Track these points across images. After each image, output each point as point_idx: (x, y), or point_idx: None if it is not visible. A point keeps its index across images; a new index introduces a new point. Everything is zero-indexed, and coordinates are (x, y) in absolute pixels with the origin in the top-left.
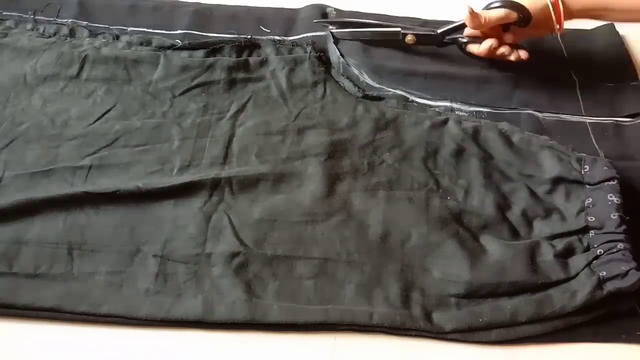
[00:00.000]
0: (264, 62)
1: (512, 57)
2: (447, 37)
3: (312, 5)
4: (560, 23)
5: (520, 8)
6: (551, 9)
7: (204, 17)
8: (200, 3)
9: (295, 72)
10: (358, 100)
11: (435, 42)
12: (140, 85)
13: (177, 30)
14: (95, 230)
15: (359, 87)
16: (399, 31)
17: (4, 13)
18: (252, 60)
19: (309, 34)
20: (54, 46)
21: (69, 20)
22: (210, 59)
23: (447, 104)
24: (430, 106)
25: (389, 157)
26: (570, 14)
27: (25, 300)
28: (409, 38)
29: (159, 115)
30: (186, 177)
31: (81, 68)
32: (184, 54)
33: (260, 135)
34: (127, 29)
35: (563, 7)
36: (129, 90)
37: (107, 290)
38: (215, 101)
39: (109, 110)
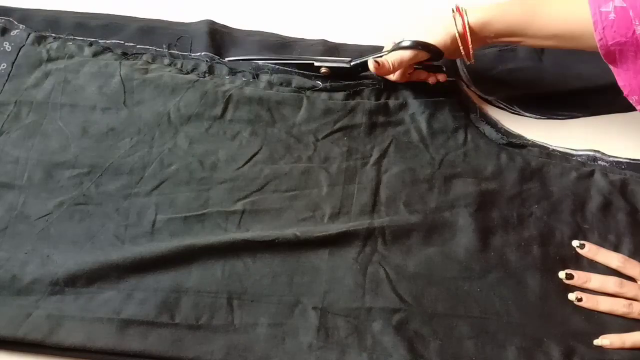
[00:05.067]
0: (403, 106)
1: (430, 81)
2: (360, 68)
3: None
4: (468, 55)
5: (428, 47)
6: (459, 42)
7: (332, 55)
8: (327, 41)
9: (436, 117)
10: (500, 148)
11: (348, 73)
12: (284, 128)
13: None
14: (254, 279)
15: (501, 134)
16: (312, 63)
17: (138, 46)
18: (392, 103)
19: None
20: (197, 85)
21: (202, 54)
22: (352, 102)
23: (590, 153)
24: (572, 155)
25: (537, 210)
26: (482, 41)
27: (192, 353)
28: (323, 70)
29: (304, 160)
30: (341, 226)
31: (225, 108)
32: (324, 95)
33: (407, 183)
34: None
35: (472, 36)
36: (272, 132)
37: (270, 343)
38: (357, 145)
39: (256, 154)
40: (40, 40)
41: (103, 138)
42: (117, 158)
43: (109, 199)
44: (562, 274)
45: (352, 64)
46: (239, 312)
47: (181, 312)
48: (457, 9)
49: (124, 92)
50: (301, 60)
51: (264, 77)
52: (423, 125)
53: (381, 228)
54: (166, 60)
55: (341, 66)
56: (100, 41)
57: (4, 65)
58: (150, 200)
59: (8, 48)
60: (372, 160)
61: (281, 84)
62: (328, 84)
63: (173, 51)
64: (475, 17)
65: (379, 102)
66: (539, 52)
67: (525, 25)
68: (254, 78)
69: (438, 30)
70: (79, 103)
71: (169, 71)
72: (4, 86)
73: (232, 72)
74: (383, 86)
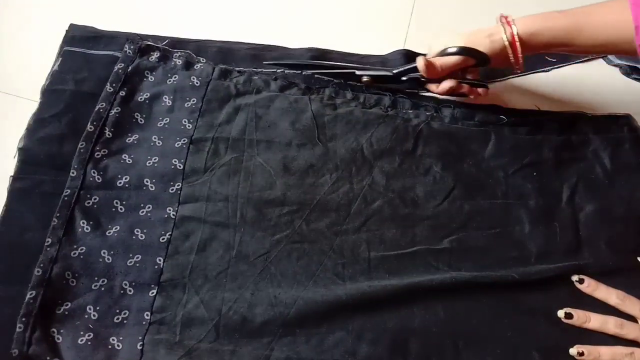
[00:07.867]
0: (585, 141)
1: (472, 96)
2: (404, 76)
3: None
4: (518, 63)
5: (477, 54)
6: (509, 51)
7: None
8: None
9: (617, 153)
10: None
11: (392, 82)
12: (473, 163)
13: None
14: (475, 320)
15: None
16: (354, 72)
17: (317, 76)
18: (575, 139)
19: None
20: (387, 120)
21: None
22: (539, 137)
23: None
24: None
25: None
26: (531, 49)
27: None
28: (365, 79)
29: (500, 196)
30: (551, 267)
31: (416, 143)
32: (507, 130)
33: (604, 222)
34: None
35: (522, 45)
36: (462, 167)
37: None
38: (546, 181)
39: (452, 189)
40: (225, 74)
41: (305, 175)
42: (322, 195)
43: (321, 236)
44: (560, 313)
45: (394, 72)
46: (465, 353)
47: (412, 353)
48: (506, 19)
49: (316, 128)
50: (342, 69)
51: (447, 111)
52: (606, 162)
53: (587, 269)
54: (349, 95)
55: (384, 74)
56: (278, 71)
57: (194, 100)
58: (360, 237)
59: (197, 83)
60: (565, 197)
61: (464, 118)
62: (512, 118)
63: (351, 82)
64: (523, 28)
65: (562, 137)
66: None
67: (572, 37)
68: (436, 112)
69: (483, 41)
70: (274, 139)
71: (355, 106)
72: (197, 122)
73: (415, 105)
74: (564, 121)
